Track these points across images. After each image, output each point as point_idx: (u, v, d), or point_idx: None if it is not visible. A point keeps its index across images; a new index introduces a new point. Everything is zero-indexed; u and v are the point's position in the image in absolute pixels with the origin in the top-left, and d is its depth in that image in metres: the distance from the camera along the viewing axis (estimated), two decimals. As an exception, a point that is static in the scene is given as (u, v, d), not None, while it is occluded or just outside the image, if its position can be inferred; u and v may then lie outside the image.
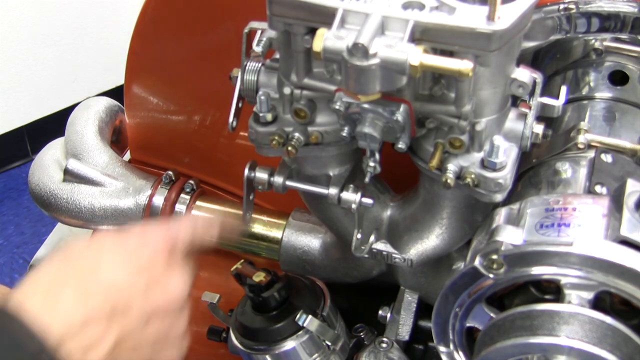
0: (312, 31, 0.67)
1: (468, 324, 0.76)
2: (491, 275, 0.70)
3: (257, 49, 0.76)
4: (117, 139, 1.29)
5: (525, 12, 0.65)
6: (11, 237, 2.60)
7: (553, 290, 0.72)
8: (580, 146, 0.79)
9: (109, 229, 0.73)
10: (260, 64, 0.79)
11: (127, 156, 1.28)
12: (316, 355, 0.92)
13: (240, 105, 0.82)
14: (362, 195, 0.81)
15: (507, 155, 0.72)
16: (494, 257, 0.69)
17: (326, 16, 0.65)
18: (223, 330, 1.04)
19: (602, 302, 0.69)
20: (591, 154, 0.78)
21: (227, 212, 0.81)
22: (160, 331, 0.69)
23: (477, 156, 0.73)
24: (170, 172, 1.16)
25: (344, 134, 0.73)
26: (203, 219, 0.78)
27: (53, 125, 2.69)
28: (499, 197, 0.73)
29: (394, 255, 0.90)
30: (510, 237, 0.69)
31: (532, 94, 0.72)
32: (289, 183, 0.83)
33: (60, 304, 0.63)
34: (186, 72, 1.18)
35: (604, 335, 0.65)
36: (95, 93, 2.83)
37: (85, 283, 0.65)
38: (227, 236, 0.82)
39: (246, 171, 0.83)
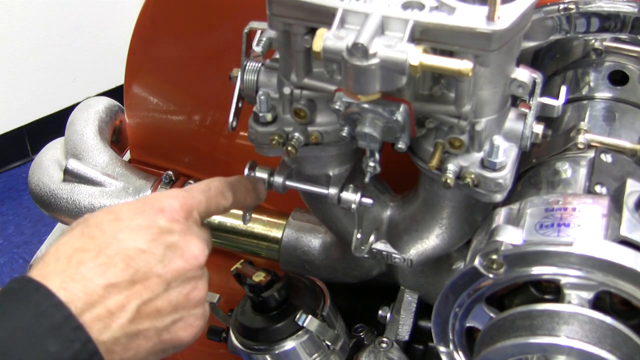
0: (312, 31, 0.67)
1: (468, 324, 0.76)
2: (491, 275, 0.70)
3: (257, 49, 0.76)
4: (117, 139, 1.29)
5: (525, 12, 0.65)
6: (11, 237, 2.60)
7: (553, 290, 0.72)
8: (580, 146, 0.79)
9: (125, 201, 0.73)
10: (260, 64, 0.79)
11: (127, 156, 1.28)
12: (316, 355, 0.92)
13: (240, 105, 0.82)
14: (362, 195, 0.81)
15: (507, 155, 0.72)
16: (494, 257, 0.69)
17: (326, 16, 0.65)
18: (223, 330, 1.04)
19: (602, 302, 0.69)
20: (591, 154, 0.78)
21: (240, 178, 0.80)
22: (181, 297, 0.69)
23: (477, 156, 0.73)
24: (170, 172, 1.16)
25: (344, 134, 0.73)
26: (217, 183, 0.78)
27: (53, 125, 2.70)
28: (498, 197, 0.73)
29: (393, 255, 0.90)
30: (510, 237, 0.69)
31: (532, 94, 0.72)
32: (289, 183, 0.83)
33: (81, 273, 0.63)
34: (186, 72, 1.18)
35: (604, 335, 0.65)
36: (95, 93, 2.84)
37: (105, 251, 0.65)
38: (242, 200, 0.81)
39: (246, 171, 0.83)
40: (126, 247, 0.66)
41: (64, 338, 0.60)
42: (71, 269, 0.63)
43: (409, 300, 0.98)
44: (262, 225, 1.09)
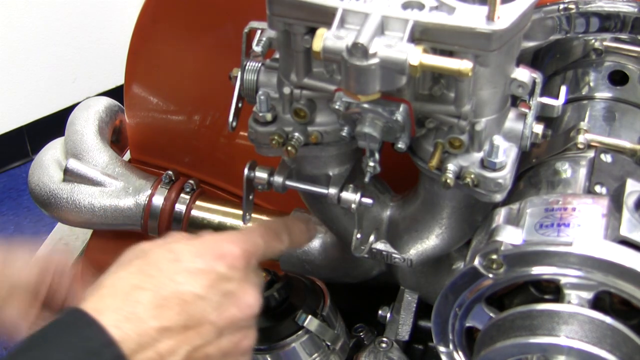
0: (312, 31, 0.67)
1: (468, 324, 0.76)
2: (491, 275, 0.70)
3: (257, 48, 0.76)
4: (117, 139, 1.29)
5: (525, 12, 0.65)
6: (11, 237, 2.60)
7: (553, 290, 0.72)
8: (580, 146, 0.79)
9: (179, 234, 0.73)
10: (260, 64, 0.79)
11: (127, 156, 1.29)
12: (316, 355, 0.92)
13: (240, 105, 0.82)
14: (362, 195, 0.81)
15: (506, 155, 0.72)
16: (494, 257, 0.69)
17: (326, 16, 0.65)
18: (223, 330, 1.04)
19: (602, 302, 0.69)
20: (591, 154, 0.78)
21: (295, 219, 0.81)
22: (231, 344, 0.69)
23: (477, 156, 0.73)
24: (170, 172, 1.16)
25: (344, 134, 0.73)
26: (275, 227, 0.78)
27: (53, 125, 2.69)
28: (498, 197, 0.73)
29: (393, 255, 0.90)
30: (509, 237, 0.69)
31: (531, 94, 0.72)
32: (288, 183, 0.83)
33: (136, 313, 0.63)
34: (186, 72, 1.18)
35: (604, 335, 0.65)
36: (95, 93, 2.83)
37: (163, 293, 0.65)
38: (297, 242, 0.81)
39: (246, 171, 0.83)
40: (183, 291, 0.66)
41: None
42: (126, 308, 0.63)
43: (409, 300, 0.98)
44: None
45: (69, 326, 0.61)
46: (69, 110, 1.28)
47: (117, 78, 2.75)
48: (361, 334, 0.99)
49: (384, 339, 0.95)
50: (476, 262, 0.70)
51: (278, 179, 0.82)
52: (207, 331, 0.67)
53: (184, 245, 0.70)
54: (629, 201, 0.68)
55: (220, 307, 0.68)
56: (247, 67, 0.79)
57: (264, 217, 1.10)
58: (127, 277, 0.66)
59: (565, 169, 0.78)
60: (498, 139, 0.71)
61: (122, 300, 0.63)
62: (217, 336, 0.67)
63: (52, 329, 0.61)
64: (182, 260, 0.68)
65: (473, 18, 0.64)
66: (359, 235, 0.87)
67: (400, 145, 0.72)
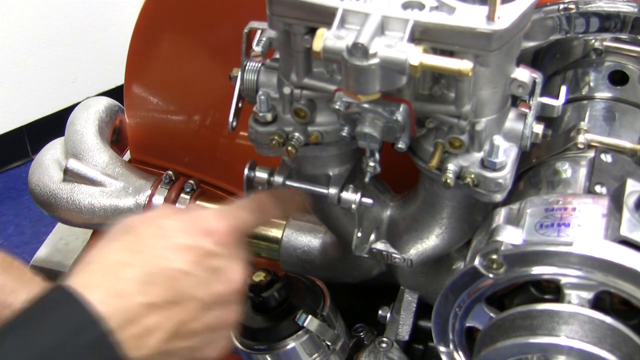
0: (312, 31, 0.67)
1: (468, 324, 0.76)
2: (491, 275, 0.70)
3: (257, 48, 0.76)
4: (117, 139, 1.29)
5: (525, 12, 0.65)
6: (11, 237, 2.60)
7: (553, 290, 0.72)
8: (580, 146, 0.79)
9: (167, 207, 0.73)
10: (260, 64, 0.79)
11: (127, 156, 1.28)
12: (316, 355, 0.92)
13: (240, 105, 0.82)
14: (362, 195, 0.81)
15: (506, 155, 0.72)
16: (494, 257, 0.69)
17: (326, 16, 0.65)
18: (223, 330, 1.04)
19: (602, 302, 0.69)
20: (591, 154, 0.78)
21: (283, 194, 0.81)
22: (216, 320, 0.70)
23: (477, 156, 0.73)
24: (170, 172, 1.16)
25: (344, 134, 0.73)
26: (266, 200, 0.78)
27: (53, 125, 2.69)
28: (498, 197, 0.73)
29: (393, 255, 0.90)
30: (510, 237, 0.69)
31: (532, 94, 0.72)
32: (288, 183, 0.83)
33: (123, 289, 0.63)
34: (186, 72, 1.18)
35: (604, 335, 0.65)
36: (95, 93, 2.83)
37: (149, 269, 0.65)
38: (287, 212, 0.81)
39: (246, 171, 0.83)
40: (170, 267, 0.66)
41: (100, 355, 0.60)
42: (114, 284, 0.63)
43: (409, 300, 0.98)
44: (262, 225, 1.09)
45: (54, 303, 0.61)
46: (69, 110, 1.28)
47: (117, 78, 2.75)
48: (361, 334, 0.99)
49: (384, 339, 0.95)
50: (476, 262, 0.70)
51: (278, 179, 0.82)
52: (193, 307, 0.67)
53: (171, 221, 0.70)
54: (629, 201, 0.68)
55: (206, 283, 0.68)
56: (247, 67, 0.79)
57: (264, 217, 1.09)
58: (114, 253, 0.67)
59: (565, 169, 0.78)
60: (498, 139, 0.71)
61: (109, 277, 0.64)
62: (203, 312, 0.68)
63: (37, 306, 0.61)
64: (169, 236, 0.68)
65: (473, 18, 0.64)
66: (359, 235, 0.87)
67: (400, 145, 0.72)
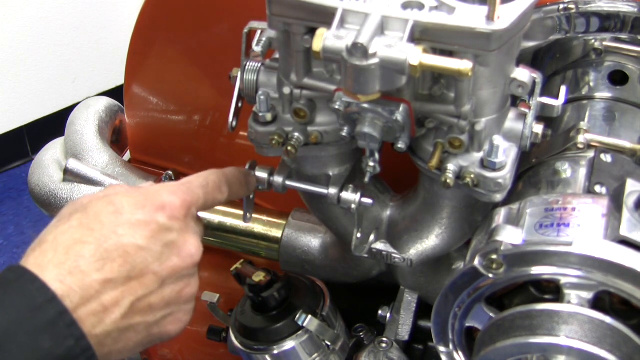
0: (312, 31, 0.67)
1: (468, 324, 0.76)
2: (491, 275, 0.70)
3: (257, 48, 0.76)
4: (117, 139, 1.29)
5: (525, 12, 0.65)
6: (11, 237, 2.60)
7: (553, 290, 0.72)
8: (580, 146, 0.79)
9: (119, 185, 0.73)
10: (260, 64, 0.79)
11: (127, 156, 1.28)
12: (316, 355, 0.92)
13: (240, 105, 0.82)
14: (362, 195, 0.81)
15: (506, 155, 0.72)
16: (494, 257, 0.69)
17: (326, 16, 0.65)
18: (223, 330, 1.04)
19: (602, 302, 0.69)
20: (591, 154, 0.78)
21: (234, 170, 0.81)
22: (174, 293, 0.70)
23: (477, 156, 0.73)
24: (170, 172, 1.16)
25: (344, 134, 0.73)
26: (214, 177, 0.78)
27: (53, 125, 2.70)
28: (498, 197, 0.73)
29: (393, 255, 0.90)
30: (509, 237, 0.69)
31: (531, 94, 0.72)
32: (288, 183, 0.83)
33: (79, 267, 0.63)
34: (186, 72, 1.18)
35: (604, 335, 0.65)
36: (95, 93, 2.84)
37: (104, 246, 0.65)
38: (235, 193, 0.81)
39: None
40: (125, 243, 0.66)
41: (58, 334, 0.60)
42: (69, 262, 0.63)
43: (409, 300, 0.98)
44: (262, 225, 1.09)
45: (10, 283, 0.62)
46: (69, 110, 1.28)
47: (117, 78, 2.76)
48: (361, 334, 0.99)
49: (384, 339, 0.95)
50: (476, 262, 0.70)
51: (278, 179, 0.82)
52: (149, 281, 0.67)
53: (124, 197, 0.70)
54: (629, 201, 0.68)
55: (162, 257, 0.68)
56: (247, 67, 0.79)
57: (264, 217, 1.10)
58: (68, 231, 0.66)
59: (565, 169, 0.78)
60: (498, 139, 0.71)
61: (64, 255, 0.64)
62: (160, 286, 0.68)
63: None
64: (123, 212, 0.68)
65: (473, 18, 0.64)
66: (359, 235, 0.87)
67: (400, 145, 0.72)
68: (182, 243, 0.70)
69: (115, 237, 0.66)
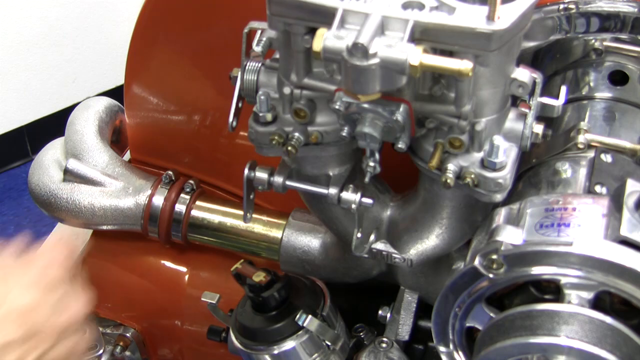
0: (312, 31, 0.67)
1: (468, 324, 0.76)
2: (491, 275, 0.70)
3: (257, 48, 0.76)
4: (117, 139, 1.29)
5: (525, 12, 0.65)
6: (11, 237, 2.59)
7: (553, 290, 0.72)
8: (580, 146, 0.79)
9: (14, 249, 0.78)
10: (260, 64, 0.79)
11: (127, 156, 1.28)
12: (316, 355, 0.92)
13: (240, 105, 0.82)
14: (362, 195, 0.81)
15: (506, 155, 0.72)
16: (494, 257, 0.69)
17: (326, 16, 0.65)
18: (223, 330, 1.04)
19: (602, 302, 0.69)
20: (591, 154, 0.78)
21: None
22: (69, 348, 0.74)
23: (477, 156, 0.73)
24: (170, 172, 1.16)
25: (344, 134, 0.73)
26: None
27: (53, 125, 2.69)
28: (498, 197, 0.73)
29: (393, 255, 0.90)
30: (510, 237, 0.69)
31: (532, 94, 0.72)
32: (289, 183, 0.83)
33: None
34: (186, 72, 1.18)
35: (604, 335, 0.65)
36: (95, 93, 2.83)
37: (0, 310, 0.69)
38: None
39: (246, 171, 0.83)
40: (19, 304, 0.70)
41: None
42: None
43: (409, 300, 0.98)
44: (262, 225, 1.09)
45: None
46: (69, 110, 1.28)
47: (117, 78, 2.75)
48: (361, 334, 0.99)
49: (384, 339, 0.95)
50: (476, 262, 0.70)
51: (278, 179, 0.82)
52: (46, 338, 0.71)
53: (9, 260, 0.74)
54: (629, 201, 0.68)
55: (55, 313, 0.72)
56: (247, 67, 0.79)
57: (264, 217, 1.10)
58: None
59: (565, 169, 0.78)
60: (498, 139, 0.71)
61: None
62: (57, 340, 0.72)
63: None
64: (12, 274, 0.73)
65: (473, 18, 0.64)
66: (359, 235, 0.87)
67: (400, 145, 0.72)
68: (71, 298, 0.75)
69: (7, 303, 0.70)
